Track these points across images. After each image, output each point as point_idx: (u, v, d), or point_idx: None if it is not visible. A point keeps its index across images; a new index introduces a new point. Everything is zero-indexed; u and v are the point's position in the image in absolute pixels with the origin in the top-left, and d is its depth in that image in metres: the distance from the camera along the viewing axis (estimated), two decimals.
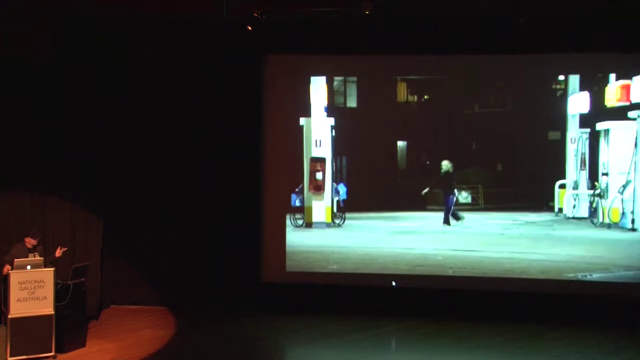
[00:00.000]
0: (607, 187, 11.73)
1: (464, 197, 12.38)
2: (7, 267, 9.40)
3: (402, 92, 12.45)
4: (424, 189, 12.15)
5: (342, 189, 12.25)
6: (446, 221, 12.08)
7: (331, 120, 12.18)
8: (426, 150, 12.29)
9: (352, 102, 12.51)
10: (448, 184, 12.14)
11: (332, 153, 12.24)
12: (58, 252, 9.83)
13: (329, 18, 10.97)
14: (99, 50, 11.37)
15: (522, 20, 10.10)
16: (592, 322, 10.88)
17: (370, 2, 9.97)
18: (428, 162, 12.37)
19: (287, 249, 11.97)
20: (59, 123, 10.93)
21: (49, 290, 9.45)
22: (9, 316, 9.28)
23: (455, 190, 12.20)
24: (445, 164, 11.98)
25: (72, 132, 11.06)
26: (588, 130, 11.97)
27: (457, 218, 12.10)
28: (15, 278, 9.30)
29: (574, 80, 11.82)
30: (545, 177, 11.91)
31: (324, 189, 12.25)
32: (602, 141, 11.83)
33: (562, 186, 11.97)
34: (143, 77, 11.75)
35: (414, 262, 11.80)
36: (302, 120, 12.10)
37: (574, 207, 12.05)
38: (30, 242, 9.76)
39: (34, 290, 9.37)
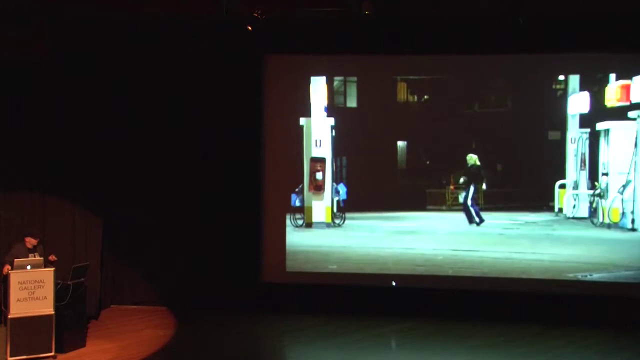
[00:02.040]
0: (607, 187, 11.73)
1: (463, 196, 12.37)
2: (7, 267, 9.39)
3: (402, 92, 12.45)
4: (425, 189, 12.17)
5: (342, 189, 12.25)
6: (479, 220, 12.05)
7: (331, 120, 12.17)
8: (426, 150, 12.29)
9: (352, 102, 12.51)
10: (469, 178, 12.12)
11: (332, 153, 12.23)
12: (51, 258, 9.81)
13: (329, 18, 10.97)
14: (99, 50, 11.36)
15: (522, 20, 10.10)
16: (592, 322, 10.89)
17: (370, 2, 9.97)
18: (428, 162, 12.38)
19: (287, 249, 11.97)
20: (59, 123, 10.93)
21: (49, 290, 9.45)
22: (9, 316, 9.27)
23: (471, 187, 12.11)
24: (470, 157, 11.95)
25: (72, 132, 11.06)
26: (588, 130, 11.96)
27: (472, 219, 12.07)
28: (15, 278, 9.30)
29: (574, 80, 11.81)
30: (545, 177, 11.90)
31: (324, 189, 12.25)
32: (602, 141, 11.83)
33: (562, 186, 11.97)
34: (143, 77, 11.74)
35: (414, 262, 11.79)
36: (302, 120, 12.10)
37: (574, 207, 12.05)
38: (30, 242, 9.76)
39: (34, 290, 9.37)
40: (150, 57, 11.72)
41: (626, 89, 11.27)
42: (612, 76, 11.42)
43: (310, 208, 12.27)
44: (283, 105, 11.92)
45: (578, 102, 11.82)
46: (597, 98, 11.54)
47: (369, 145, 12.14)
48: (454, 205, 12.34)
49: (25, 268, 9.39)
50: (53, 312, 9.47)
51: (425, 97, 12.54)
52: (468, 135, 12.09)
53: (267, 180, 11.98)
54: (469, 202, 12.13)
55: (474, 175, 12.10)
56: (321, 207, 12.29)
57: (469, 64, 11.73)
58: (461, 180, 12.09)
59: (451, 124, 12.01)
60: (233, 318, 11.40)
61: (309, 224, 12.29)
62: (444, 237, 11.99)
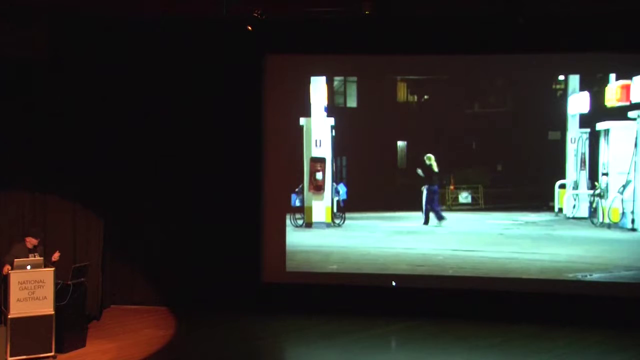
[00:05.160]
0: (607, 187, 11.72)
1: (464, 197, 12.38)
2: (7, 267, 9.39)
3: (402, 92, 12.45)
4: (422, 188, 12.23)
5: (342, 189, 12.25)
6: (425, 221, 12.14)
7: (331, 120, 12.18)
8: (426, 150, 12.26)
9: (352, 102, 12.51)
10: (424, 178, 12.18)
11: (332, 153, 12.23)
12: (55, 257, 9.82)
13: (329, 18, 10.97)
14: (99, 50, 11.37)
15: (522, 20, 10.10)
16: (592, 322, 10.88)
17: (370, 2, 9.97)
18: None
19: (287, 249, 11.97)
20: (60, 123, 10.92)
21: (49, 290, 9.45)
22: (9, 316, 9.27)
23: (425, 187, 12.14)
24: (427, 157, 12.00)
25: (72, 132, 11.06)
26: (588, 130, 11.96)
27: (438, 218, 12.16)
28: (15, 278, 9.29)
29: (574, 80, 11.81)
30: (545, 177, 11.90)
31: (324, 189, 12.25)
32: (602, 141, 11.83)
33: (562, 186, 11.97)
34: (143, 77, 11.75)
35: (414, 262, 11.79)
36: (302, 120, 12.10)
37: (574, 207, 12.05)
38: (31, 242, 9.75)
39: (34, 290, 9.37)
40: (150, 57, 11.72)
41: (626, 89, 11.27)
42: (612, 76, 11.42)
43: (310, 208, 12.27)
44: (283, 105, 11.92)
45: (578, 102, 11.83)
46: (597, 98, 11.54)
47: (369, 145, 12.14)
48: (454, 205, 12.34)
49: (25, 268, 9.39)
50: (53, 312, 9.46)
51: (425, 97, 12.54)
52: (468, 135, 12.09)
53: (267, 180, 11.98)
54: (424, 202, 12.13)
55: (427, 176, 12.10)
56: (321, 207, 12.29)
57: (469, 64, 11.73)
58: (419, 171, 12.11)
59: (451, 124, 12.01)
60: (233, 318, 11.40)
61: (309, 224, 12.29)
62: (444, 237, 11.99)
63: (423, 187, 12.10)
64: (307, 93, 12.04)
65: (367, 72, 12.18)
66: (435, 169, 12.04)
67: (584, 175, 12.06)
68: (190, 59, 11.70)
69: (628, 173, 11.47)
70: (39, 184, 10.85)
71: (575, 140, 12.07)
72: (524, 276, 11.42)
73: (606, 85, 11.47)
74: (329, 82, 12.16)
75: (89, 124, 11.28)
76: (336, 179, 12.30)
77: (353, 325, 11.01)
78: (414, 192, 12.20)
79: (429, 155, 12.00)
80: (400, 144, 12.41)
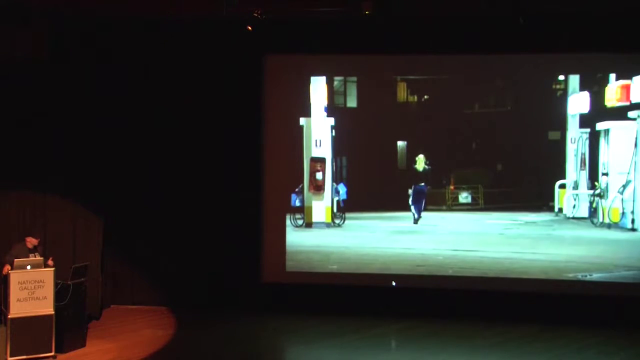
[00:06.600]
0: (607, 187, 11.73)
1: (464, 197, 12.38)
2: (7, 267, 9.40)
3: (402, 92, 12.45)
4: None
5: (342, 189, 12.25)
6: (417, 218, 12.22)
7: (331, 120, 12.18)
8: (426, 150, 12.27)
9: (352, 102, 12.51)
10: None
11: (332, 153, 12.24)
12: (49, 263, 9.79)
13: (329, 18, 10.97)
14: (99, 50, 11.37)
15: (522, 20, 10.10)
16: (592, 322, 10.88)
17: (370, 2, 9.98)
18: (428, 162, 12.37)
19: (287, 249, 11.97)
20: (59, 123, 10.93)
21: (49, 290, 9.45)
22: (9, 316, 9.27)
23: (412, 186, 12.21)
24: (418, 158, 12.05)
25: (72, 132, 11.07)
26: (588, 130, 11.97)
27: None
28: (15, 278, 9.30)
29: (574, 80, 11.82)
30: (545, 177, 11.91)
31: (324, 189, 12.25)
32: (602, 141, 11.83)
33: (562, 186, 11.97)
34: (143, 77, 11.75)
35: (414, 262, 11.80)
36: (302, 120, 12.10)
37: (574, 207, 12.05)
38: (31, 241, 9.76)
39: (34, 290, 9.37)
40: (150, 58, 11.72)
41: (626, 89, 11.27)
42: (612, 76, 11.42)
43: (310, 208, 12.27)
44: (283, 105, 11.92)
45: (578, 102, 11.83)
46: (597, 98, 11.54)
47: (369, 145, 12.14)
48: (454, 205, 12.34)
49: (25, 268, 9.39)
50: (53, 312, 9.47)
51: (425, 97, 12.54)
52: (468, 135, 12.10)
53: (267, 180, 11.98)
54: (410, 201, 12.19)
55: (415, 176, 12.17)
56: (321, 207, 12.29)
57: (469, 64, 11.73)
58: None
59: (451, 124, 12.01)
60: (233, 318, 11.40)
61: (309, 224, 12.29)
62: (444, 237, 11.99)
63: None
64: (307, 93, 12.05)
65: (367, 72, 12.19)
66: (420, 168, 12.06)
67: (584, 175, 12.07)
68: (190, 58, 11.70)
69: (628, 173, 11.47)
70: (39, 185, 10.85)
71: (575, 140, 12.07)
72: (524, 276, 11.41)
73: (606, 85, 11.47)
74: (329, 82, 12.17)
75: (88, 123, 11.28)
76: (336, 179, 12.31)
77: (353, 325, 11.01)
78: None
79: (420, 156, 12.04)
80: (400, 144, 12.41)
